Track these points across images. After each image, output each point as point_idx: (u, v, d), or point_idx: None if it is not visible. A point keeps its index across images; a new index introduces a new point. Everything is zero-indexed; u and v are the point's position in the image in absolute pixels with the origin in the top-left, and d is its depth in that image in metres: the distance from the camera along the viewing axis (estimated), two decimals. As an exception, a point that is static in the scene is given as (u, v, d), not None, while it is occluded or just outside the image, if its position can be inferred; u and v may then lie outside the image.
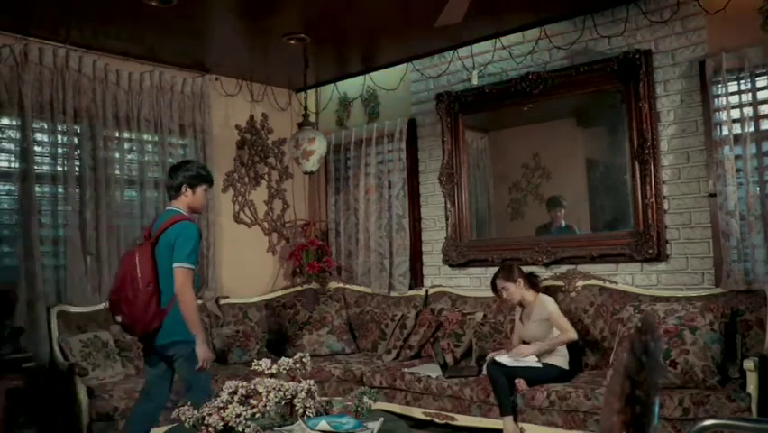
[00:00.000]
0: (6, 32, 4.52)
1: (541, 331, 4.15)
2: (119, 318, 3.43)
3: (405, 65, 5.68)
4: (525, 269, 4.56)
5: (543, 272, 4.77)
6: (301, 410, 2.85)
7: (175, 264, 3.38)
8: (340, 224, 6.15)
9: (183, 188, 3.54)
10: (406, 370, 4.65)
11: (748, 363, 3.41)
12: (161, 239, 3.46)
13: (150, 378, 3.64)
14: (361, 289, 5.83)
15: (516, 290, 4.25)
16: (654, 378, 0.92)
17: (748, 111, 4.02)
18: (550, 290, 4.52)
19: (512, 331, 4.52)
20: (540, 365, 4.07)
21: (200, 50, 5.22)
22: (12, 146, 4.59)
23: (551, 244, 4.83)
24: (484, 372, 4.20)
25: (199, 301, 5.36)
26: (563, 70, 4.76)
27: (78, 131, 4.88)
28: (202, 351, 3.43)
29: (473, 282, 5.31)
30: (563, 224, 4.99)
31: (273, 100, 6.27)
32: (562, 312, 4.23)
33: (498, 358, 4.11)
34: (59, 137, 4.81)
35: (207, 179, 3.64)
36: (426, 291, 5.45)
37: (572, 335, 4.10)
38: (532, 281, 4.35)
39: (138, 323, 3.39)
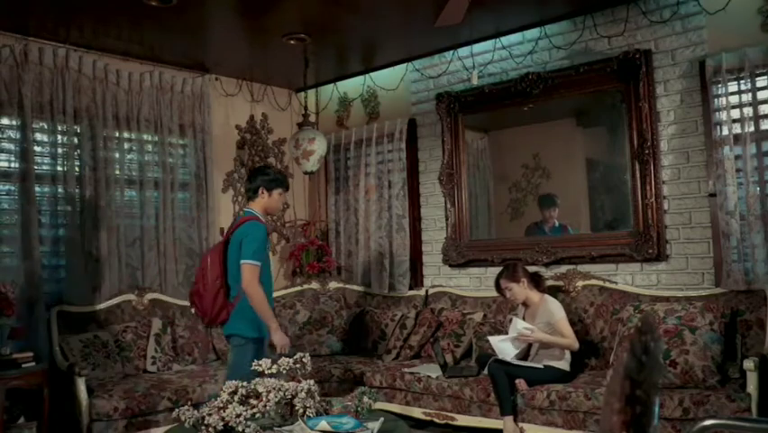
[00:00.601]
0: (6, 32, 4.52)
1: (544, 333, 4.14)
2: (193, 310, 3.82)
3: (405, 65, 5.68)
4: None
5: (543, 272, 4.76)
6: (301, 410, 2.85)
7: (242, 261, 3.60)
8: (340, 224, 6.16)
9: (260, 191, 3.77)
10: (406, 370, 4.65)
11: (748, 363, 3.41)
12: (232, 238, 3.71)
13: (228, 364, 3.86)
14: (361, 289, 5.83)
15: (520, 290, 4.24)
16: (654, 378, 0.92)
17: (748, 111, 4.02)
18: (550, 291, 4.51)
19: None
20: (541, 366, 4.07)
21: (200, 50, 5.22)
22: (12, 146, 4.59)
23: (551, 244, 4.82)
24: (485, 371, 4.19)
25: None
26: (563, 70, 4.76)
27: (78, 131, 4.88)
28: (278, 338, 3.66)
29: (473, 282, 5.31)
30: (557, 223, 4.97)
31: (273, 100, 6.28)
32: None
33: (498, 343, 4.10)
34: (59, 137, 4.81)
35: (283, 184, 3.87)
36: (426, 291, 5.45)
37: (574, 344, 4.09)
38: (536, 281, 4.33)
39: (206, 315, 3.72)
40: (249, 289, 3.59)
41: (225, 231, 3.92)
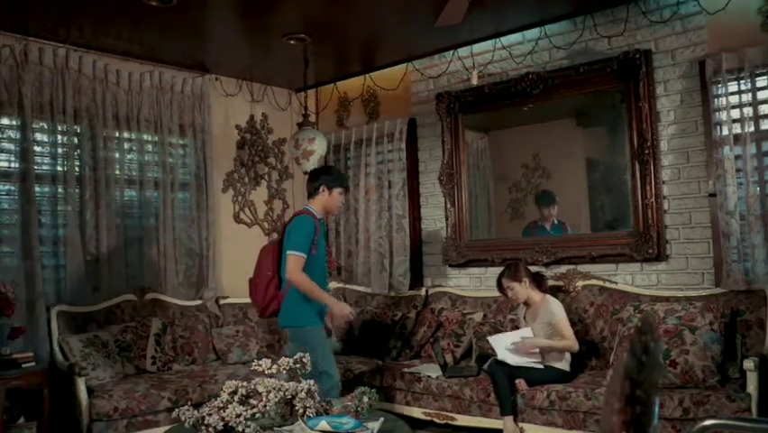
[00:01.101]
0: (6, 32, 4.52)
1: (545, 334, 4.14)
2: (249, 300, 4.13)
3: (405, 65, 5.68)
4: (526, 269, 4.56)
5: (542, 272, 4.76)
6: (301, 410, 2.85)
7: (286, 252, 3.77)
8: (340, 224, 6.15)
9: (321, 189, 3.95)
10: (406, 370, 4.65)
11: (748, 363, 3.41)
12: (285, 231, 3.91)
13: (290, 355, 3.90)
14: (361, 289, 5.83)
15: (522, 290, 4.24)
16: (654, 378, 0.92)
17: (748, 111, 4.02)
18: (550, 291, 4.51)
19: (512, 330, 4.51)
20: (542, 367, 4.07)
21: (200, 50, 5.22)
22: (12, 146, 4.59)
23: (551, 244, 4.82)
24: (486, 366, 4.19)
25: (199, 301, 5.39)
26: (563, 70, 4.76)
27: (78, 131, 4.88)
28: (338, 309, 3.88)
29: (473, 282, 5.31)
30: (556, 221, 4.96)
31: (273, 100, 6.27)
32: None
33: (498, 349, 4.11)
34: (59, 137, 4.81)
35: (344, 183, 4.08)
36: (426, 291, 5.45)
37: (574, 346, 4.08)
38: (538, 281, 4.33)
39: (259, 305, 3.96)
40: (291, 278, 3.75)
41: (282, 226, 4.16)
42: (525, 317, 4.33)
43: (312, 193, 3.98)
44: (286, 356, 3.68)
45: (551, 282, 4.63)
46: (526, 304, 4.32)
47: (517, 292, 4.24)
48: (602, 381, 3.98)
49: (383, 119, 5.88)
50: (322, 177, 3.99)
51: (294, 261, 3.73)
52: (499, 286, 4.33)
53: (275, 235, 6.25)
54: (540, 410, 3.90)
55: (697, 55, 4.26)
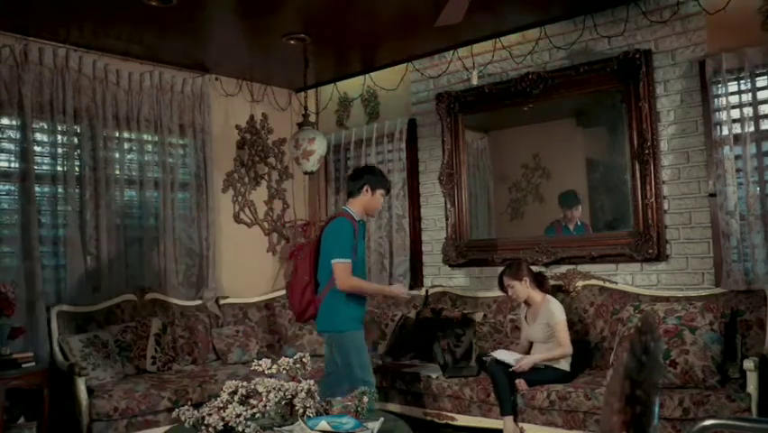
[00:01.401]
0: (6, 32, 4.52)
1: (544, 335, 4.15)
2: (288, 302, 4.03)
3: (405, 65, 5.68)
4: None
5: (543, 273, 4.76)
6: (301, 410, 2.85)
7: (332, 261, 3.71)
8: (340, 224, 6.14)
9: (364, 189, 3.87)
10: (406, 370, 4.64)
11: (748, 363, 3.41)
12: (322, 234, 3.85)
13: (326, 359, 3.93)
14: (361, 289, 5.81)
15: (522, 289, 4.24)
16: (654, 378, 0.92)
17: (748, 111, 4.02)
18: (547, 286, 4.51)
19: (512, 330, 4.52)
20: (542, 366, 4.07)
21: (200, 50, 5.22)
22: (12, 146, 4.59)
23: (551, 244, 4.82)
24: (486, 362, 4.20)
25: (199, 301, 5.39)
26: (563, 70, 4.76)
27: (78, 131, 4.88)
28: (396, 289, 3.97)
29: (473, 282, 5.31)
30: (579, 222, 4.88)
31: (273, 100, 6.27)
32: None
33: (499, 357, 4.11)
34: (59, 137, 4.81)
35: (387, 186, 4.03)
36: (426, 291, 5.45)
37: (568, 350, 4.09)
38: (540, 282, 4.33)
39: (295, 310, 3.90)
40: (344, 288, 3.69)
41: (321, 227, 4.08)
42: (525, 318, 4.33)
43: (353, 192, 3.90)
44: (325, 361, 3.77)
45: (551, 282, 4.64)
46: (527, 304, 4.32)
47: (518, 291, 4.24)
48: (602, 381, 3.98)
49: (383, 119, 5.88)
50: (366, 176, 3.90)
51: (341, 269, 3.68)
52: (501, 284, 4.33)
53: (275, 235, 6.26)
54: (540, 410, 3.90)
55: (697, 55, 4.26)
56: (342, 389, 3.41)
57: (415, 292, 5.51)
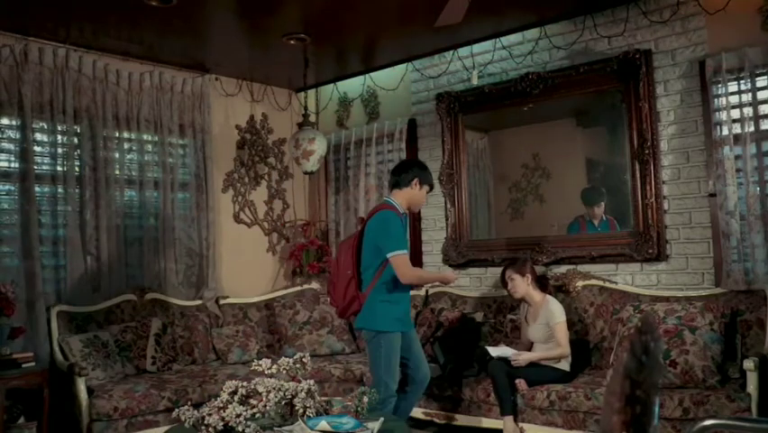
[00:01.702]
0: (6, 32, 4.52)
1: (544, 335, 4.15)
2: (328, 298, 3.87)
3: (405, 65, 5.68)
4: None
5: (542, 273, 4.76)
6: (301, 410, 2.85)
7: (389, 255, 3.57)
8: (340, 224, 6.15)
9: (414, 182, 3.75)
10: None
11: (748, 363, 3.41)
12: (366, 227, 3.72)
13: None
14: (361, 289, 5.82)
15: (522, 284, 4.24)
16: (654, 378, 0.92)
17: (748, 111, 4.02)
18: (548, 288, 4.51)
19: (512, 330, 4.52)
20: (541, 364, 4.08)
21: (200, 50, 5.22)
22: (12, 146, 4.59)
23: (551, 244, 4.82)
24: (493, 353, 4.20)
25: (199, 301, 5.39)
26: (563, 70, 4.76)
27: (78, 131, 4.88)
28: (451, 277, 3.92)
29: (473, 282, 5.31)
30: (605, 218, 4.78)
31: (273, 100, 6.28)
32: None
33: (494, 354, 4.12)
34: (59, 137, 4.81)
35: (432, 184, 3.90)
36: (426, 291, 5.44)
37: (565, 351, 4.10)
38: (541, 282, 4.35)
39: (338, 306, 3.78)
40: (408, 279, 3.61)
41: (362, 220, 3.96)
42: (526, 318, 4.34)
43: (400, 184, 3.75)
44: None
45: (551, 282, 4.64)
46: (527, 303, 4.33)
47: (517, 285, 4.24)
48: (602, 381, 3.98)
49: (383, 119, 5.88)
50: (416, 169, 3.79)
51: (402, 262, 3.56)
52: (503, 275, 4.34)
53: (275, 235, 6.26)
54: (540, 410, 3.90)
55: (697, 55, 4.26)
56: (378, 389, 3.41)
57: (415, 292, 5.52)
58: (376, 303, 3.64)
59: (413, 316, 5.21)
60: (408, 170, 3.79)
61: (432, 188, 3.92)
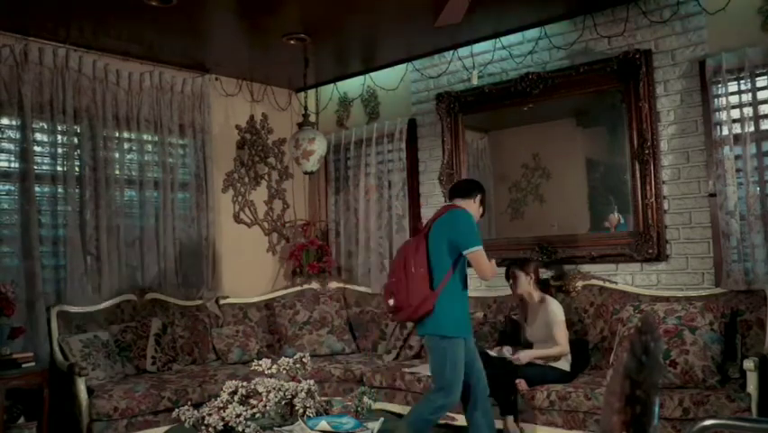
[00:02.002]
0: (6, 32, 4.52)
1: (543, 335, 4.16)
2: (391, 302, 3.62)
3: (405, 65, 5.68)
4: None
5: (542, 273, 4.76)
6: (301, 410, 2.85)
7: (469, 251, 3.54)
8: (340, 224, 6.15)
9: (477, 198, 3.81)
10: (406, 370, 4.64)
11: (748, 363, 3.41)
12: (435, 226, 3.65)
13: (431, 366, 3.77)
14: (361, 289, 5.82)
15: (524, 282, 4.26)
16: (654, 378, 0.92)
17: (748, 111, 4.02)
18: (549, 291, 4.52)
19: (513, 331, 4.53)
20: (541, 363, 4.08)
21: (200, 50, 5.22)
22: (12, 146, 4.59)
23: (551, 244, 4.82)
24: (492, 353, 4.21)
25: (199, 301, 5.39)
26: (563, 70, 4.76)
27: (78, 131, 4.88)
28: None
29: (473, 282, 5.29)
30: (621, 220, 4.71)
31: (273, 100, 6.28)
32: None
33: (492, 354, 4.13)
34: (59, 137, 4.81)
35: (485, 207, 3.94)
36: (426, 291, 5.44)
37: (565, 349, 4.11)
38: (544, 283, 4.38)
39: (409, 306, 3.55)
40: (492, 274, 3.63)
41: (425, 223, 3.88)
42: (525, 318, 4.34)
43: (465, 195, 3.79)
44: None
45: (552, 282, 4.65)
46: (527, 303, 4.33)
47: (520, 283, 4.27)
48: (602, 381, 3.98)
49: (383, 119, 5.88)
50: (480, 188, 3.86)
51: (478, 256, 3.54)
52: (508, 271, 4.36)
53: (275, 235, 6.26)
54: (540, 410, 3.90)
55: (697, 55, 4.26)
56: (441, 399, 3.48)
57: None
58: (445, 305, 3.53)
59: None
60: (474, 187, 3.87)
61: (484, 212, 3.93)
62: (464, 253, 3.55)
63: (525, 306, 4.37)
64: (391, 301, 3.60)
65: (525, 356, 4.08)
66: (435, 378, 3.62)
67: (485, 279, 3.68)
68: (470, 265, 3.62)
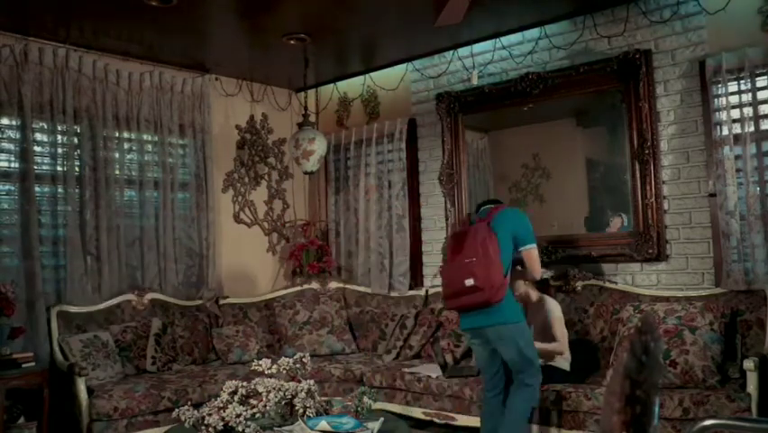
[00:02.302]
0: (6, 32, 4.52)
1: (541, 335, 4.14)
2: (470, 281, 3.47)
3: (405, 65, 5.68)
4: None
5: (543, 272, 4.76)
6: (301, 410, 2.85)
7: (527, 247, 3.70)
8: (340, 224, 6.15)
9: None
10: (406, 370, 4.64)
11: (748, 363, 3.41)
12: (497, 218, 3.69)
13: (484, 359, 3.80)
14: (361, 289, 5.82)
15: (522, 284, 4.25)
16: (654, 378, 0.92)
17: (748, 111, 4.02)
18: (549, 291, 4.52)
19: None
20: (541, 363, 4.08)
21: (200, 50, 5.23)
22: (12, 146, 4.59)
23: (551, 244, 4.82)
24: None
25: (199, 301, 5.39)
26: (563, 70, 4.76)
27: (78, 131, 4.88)
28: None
29: (473, 282, 5.30)
30: (625, 222, 4.72)
31: (273, 100, 6.28)
32: (563, 314, 4.22)
33: None
34: (59, 137, 4.81)
35: None
36: (426, 291, 5.45)
37: (563, 348, 4.10)
38: (542, 282, 4.36)
39: (491, 287, 3.48)
40: (538, 274, 3.80)
41: (481, 217, 3.80)
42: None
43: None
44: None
45: (551, 282, 4.64)
46: (524, 303, 4.32)
47: (517, 285, 4.23)
48: (602, 381, 3.98)
49: (383, 119, 5.88)
50: None
51: (537, 255, 3.77)
52: None
53: (275, 235, 6.26)
54: (540, 410, 3.90)
55: (697, 55, 4.26)
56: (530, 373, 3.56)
57: (415, 292, 5.53)
58: (509, 294, 3.63)
59: (413, 316, 5.22)
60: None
61: None
62: (523, 248, 3.71)
63: (525, 306, 4.35)
64: (471, 281, 3.47)
65: None
66: (522, 363, 3.61)
67: (535, 277, 3.86)
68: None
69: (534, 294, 4.27)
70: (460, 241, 3.68)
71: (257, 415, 2.82)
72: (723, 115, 4.06)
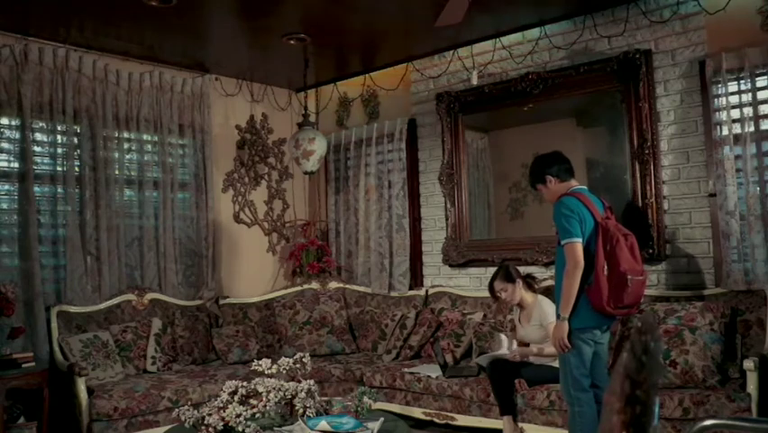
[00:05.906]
0: (6, 32, 4.52)
1: (539, 335, 4.14)
2: (633, 280, 3.23)
3: (405, 65, 5.68)
4: (526, 269, 4.56)
5: (543, 273, 4.76)
6: (301, 410, 2.85)
7: (563, 243, 3.34)
8: (340, 224, 6.16)
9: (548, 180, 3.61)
10: (406, 370, 4.64)
11: (748, 364, 3.41)
12: (614, 216, 3.49)
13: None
14: (361, 289, 5.83)
15: (516, 291, 4.22)
16: (654, 378, 0.92)
17: (748, 111, 4.02)
18: (549, 291, 4.51)
19: (512, 330, 4.52)
20: (539, 363, 4.08)
21: (200, 50, 5.23)
22: (11, 146, 4.59)
23: (551, 244, 4.82)
24: (483, 363, 4.20)
25: (199, 301, 5.39)
26: (563, 70, 4.76)
27: (78, 131, 4.88)
28: (555, 331, 3.35)
29: (473, 282, 5.31)
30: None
31: (273, 100, 6.28)
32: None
33: (485, 362, 4.14)
34: (59, 137, 4.81)
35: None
36: (426, 291, 5.45)
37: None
38: (529, 283, 4.33)
39: (638, 299, 3.33)
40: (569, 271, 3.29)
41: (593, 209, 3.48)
42: (519, 320, 4.33)
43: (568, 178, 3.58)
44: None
45: (551, 283, 4.63)
46: (520, 306, 4.31)
47: (511, 293, 4.19)
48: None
49: (383, 119, 5.88)
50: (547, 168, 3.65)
51: (570, 250, 3.33)
52: (491, 290, 4.26)
53: (275, 235, 6.26)
54: (540, 410, 3.90)
55: (697, 55, 4.26)
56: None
57: (415, 292, 5.53)
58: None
59: (413, 316, 5.22)
60: (541, 167, 3.70)
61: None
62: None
63: (522, 310, 4.33)
64: (633, 279, 3.23)
65: (521, 353, 4.08)
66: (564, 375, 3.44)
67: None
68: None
69: (530, 296, 4.25)
70: (632, 249, 3.33)
71: (257, 415, 2.82)
72: (723, 115, 4.07)
